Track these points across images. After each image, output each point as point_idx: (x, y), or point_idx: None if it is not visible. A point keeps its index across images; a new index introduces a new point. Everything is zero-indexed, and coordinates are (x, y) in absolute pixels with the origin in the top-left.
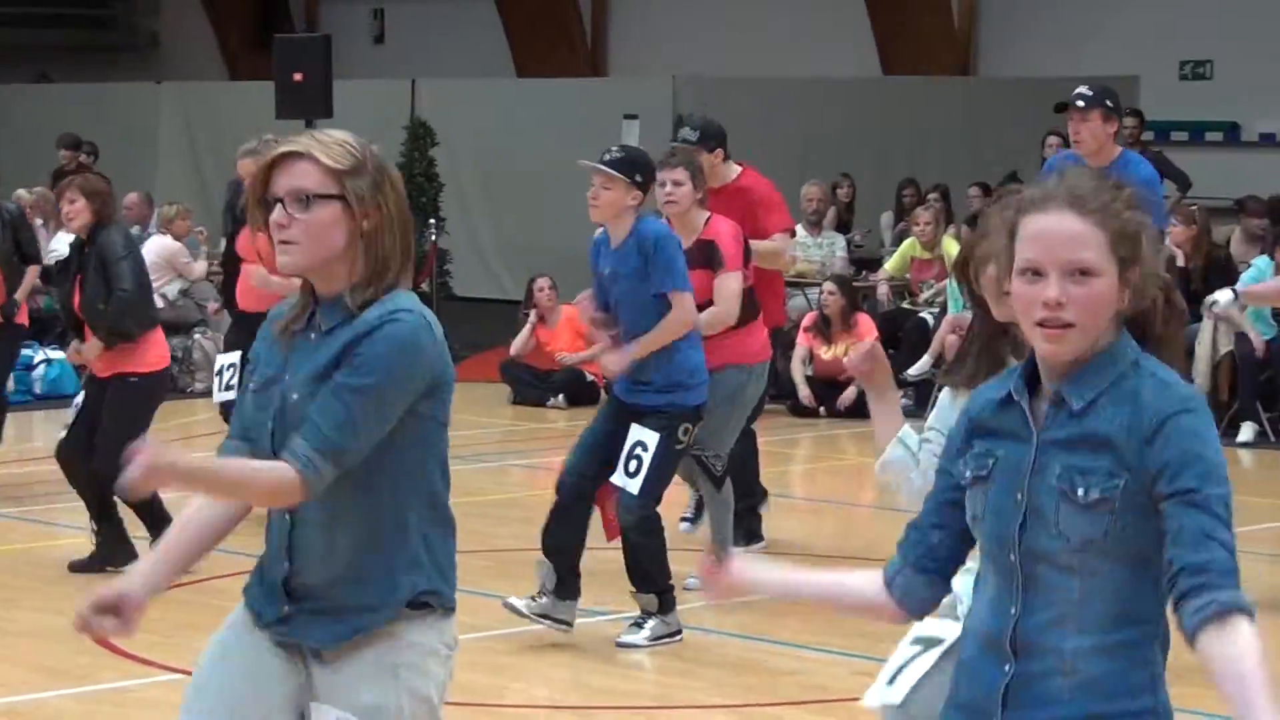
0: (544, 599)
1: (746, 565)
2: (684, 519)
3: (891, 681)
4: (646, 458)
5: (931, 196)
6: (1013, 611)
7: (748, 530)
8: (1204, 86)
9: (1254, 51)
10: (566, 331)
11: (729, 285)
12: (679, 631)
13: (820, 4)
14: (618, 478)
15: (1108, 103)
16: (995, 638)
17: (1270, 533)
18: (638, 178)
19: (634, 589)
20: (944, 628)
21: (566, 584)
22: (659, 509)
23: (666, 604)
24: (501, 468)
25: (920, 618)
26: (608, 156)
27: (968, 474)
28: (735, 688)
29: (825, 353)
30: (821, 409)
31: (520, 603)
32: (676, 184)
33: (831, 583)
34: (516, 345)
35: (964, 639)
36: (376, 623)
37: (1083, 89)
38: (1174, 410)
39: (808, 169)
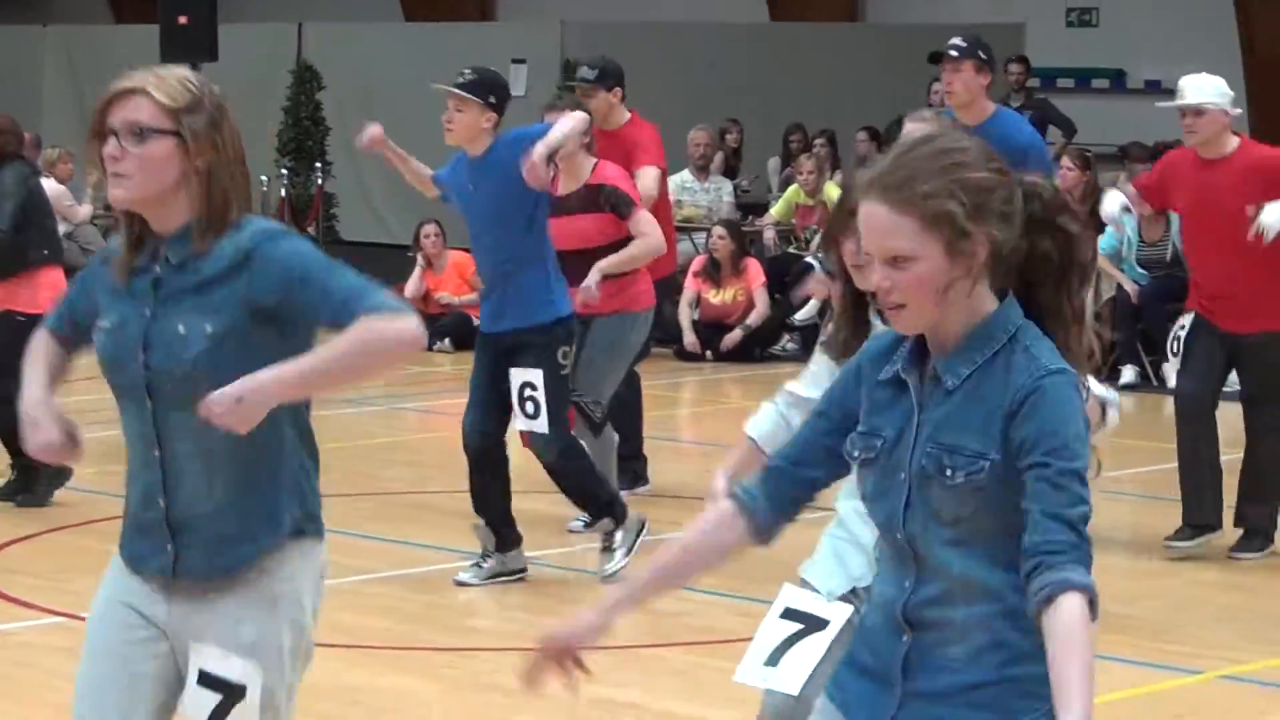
0: (489, 561)
1: (591, 613)
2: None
3: (774, 662)
4: (539, 395)
5: (818, 143)
6: (906, 585)
7: (633, 474)
8: (1090, 33)
9: None
10: (453, 276)
11: (646, 219)
12: (641, 531)
13: None
14: (521, 424)
15: (981, 54)
16: (891, 611)
17: (1148, 475)
18: (491, 99)
19: (588, 520)
20: (819, 605)
21: (504, 536)
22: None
23: (619, 514)
24: (388, 411)
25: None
26: (460, 79)
27: (856, 454)
28: (621, 629)
29: (713, 296)
30: (707, 353)
31: (468, 575)
32: None
33: (678, 561)
34: (409, 290)
35: (868, 606)
36: (261, 551)
37: (956, 40)
38: (1033, 385)
39: (695, 114)
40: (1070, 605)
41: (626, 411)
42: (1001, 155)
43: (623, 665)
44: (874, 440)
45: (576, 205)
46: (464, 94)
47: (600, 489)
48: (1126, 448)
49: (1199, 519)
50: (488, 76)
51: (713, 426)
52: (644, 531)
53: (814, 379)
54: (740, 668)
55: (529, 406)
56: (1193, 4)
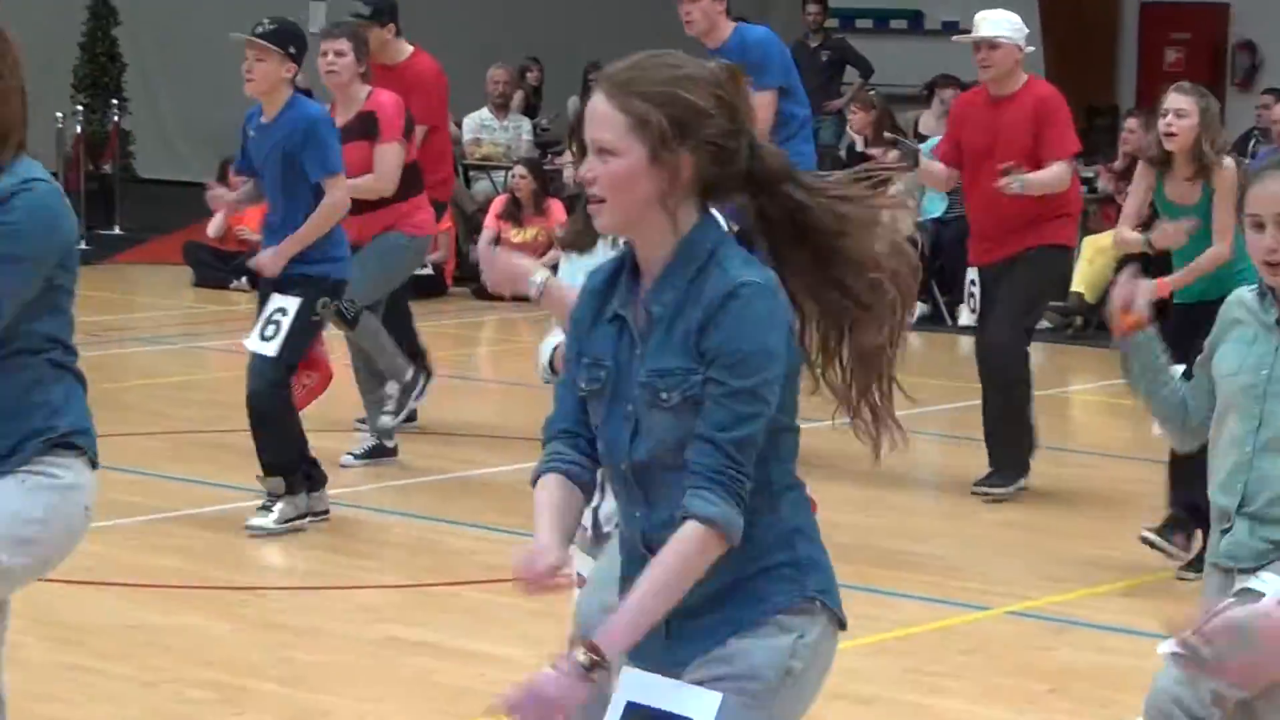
0: (281, 504)
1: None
2: (349, 454)
3: None
4: (285, 322)
5: None
6: (638, 515)
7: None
8: None
9: None
10: (255, 213)
11: (387, 156)
12: (308, 515)
13: None
14: (252, 343)
15: None
16: (632, 544)
17: (940, 414)
18: (291, 49)
19: (260, 472)
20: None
21: (312, 476)
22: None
23: (295, 485)
24: (184, 350)
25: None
26: (259, 29)
27: (583, 385)
28: (413, 568)
29: (515, 236)
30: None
31: (261, 521)
32: (339, 54)
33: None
34: (211, 229)
35: (620, 550)
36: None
37: None
38: (720, 300)
39: (496, 52)
40: (680, 535)
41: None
42: (739, 57)
43: (415, 604)
44: (598, 372)
45: (350, 134)
46: (264, 43)
47: (289, 454)
48: (926, 386)
49: (1008, 464)
50: (287, 26)
51: (511, 365)
52: (309, 520)
53: (568, 277)
54: None
55: (269, 329)
56: None
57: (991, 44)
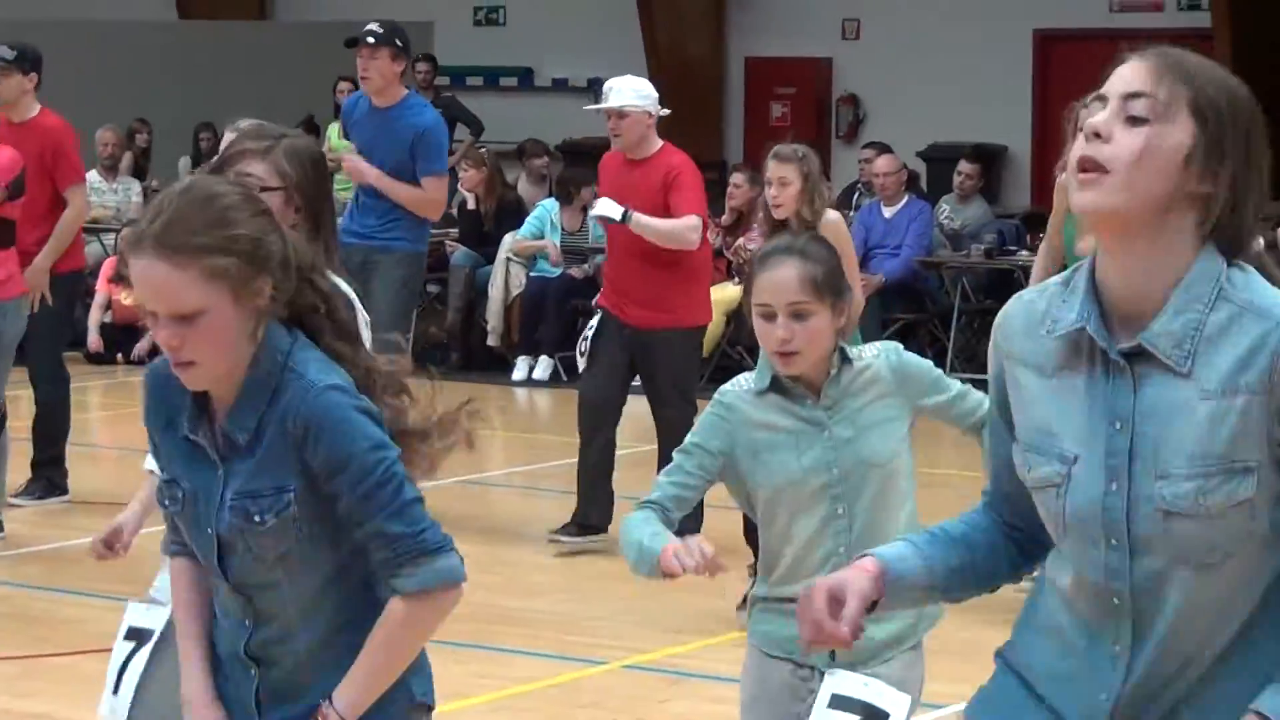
0: None
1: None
2: None
3: (116, 690)
4: None
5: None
6: (247, 625)
7: (48, 482)
8: (498, 32)
9: None
10: None
11: None
12: None
13: None
14: None
15: (397, 41)
16: (235, 648)
17: (558, 470)
18: None
19: None
20: (150, 615)
21: None
22: None
23: None
24: None
25: None
26: None
27: (166, 503)
28: (26, 638)
29: (125, 298)
30: (119, 355)
31: None
32: None
33: (204, 634)
34: None
35: (217, 633)
36: None
37: (373, 25)
38: (308, 408)
39: (108, 113)
40: (387, 612)
41: (49, 415)
42: (406, 135)
43: (29, 674)
44: (176, 490)
45: None
46: None
47: None
48: (543, 442)
49: (588, 519)
50: None
51: (124, 431)
52: None
53: None
54: (100, 705)
55: None
56: (598, 5)
57: (620, 113)
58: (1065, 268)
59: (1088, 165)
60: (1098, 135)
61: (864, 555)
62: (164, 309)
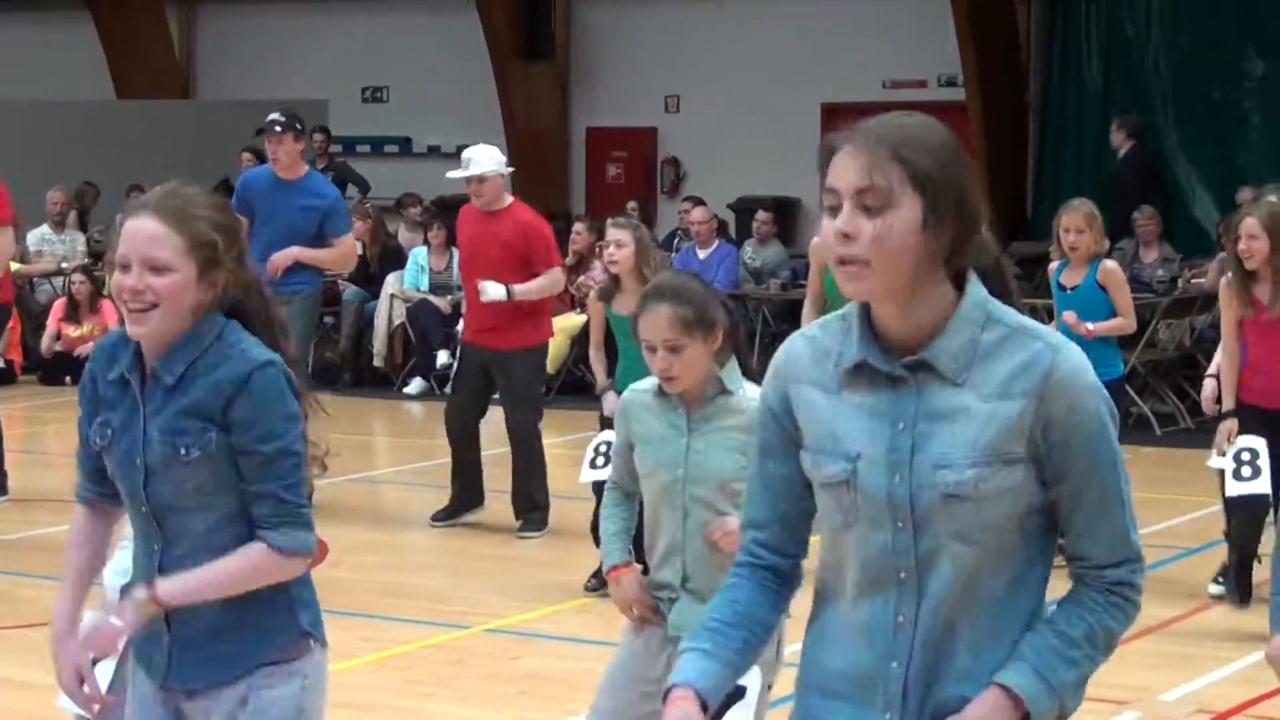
0: None
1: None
2: None
3: None
4: None
5: None
6: (156, 548)
7: None
8: (382, 108)
9: (421, 79)
10: None
11: None
12: None
13: (51, 28)
14: None
15: (297, 125)
16: (148, 574)
17: (438, 467)
18: None
19: None
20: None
21: None
22: None
23: None
24: None
25: None
26: None
27: (96, 441)
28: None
29: (74, 331)
30: (68, 378)
31: None
32: None
33: (82, 570)
34: None
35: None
36: None
37: (276, 115)
38: (242, 377)
39: (57, 177)
40: (249, 550)
41: None
42: (315, 205)
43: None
44: (105, 430)
45: None
46: None
47: None
48: (421, 445)
49: (462, 504)
50: None
51: (74, 440)
52: None
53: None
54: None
55: None
56: (464, 84)
57: (480, 179)
58: (826, 310)
59: (846, 260)
60: (847, 236)
61: (673, 686)
62: (141, 257)
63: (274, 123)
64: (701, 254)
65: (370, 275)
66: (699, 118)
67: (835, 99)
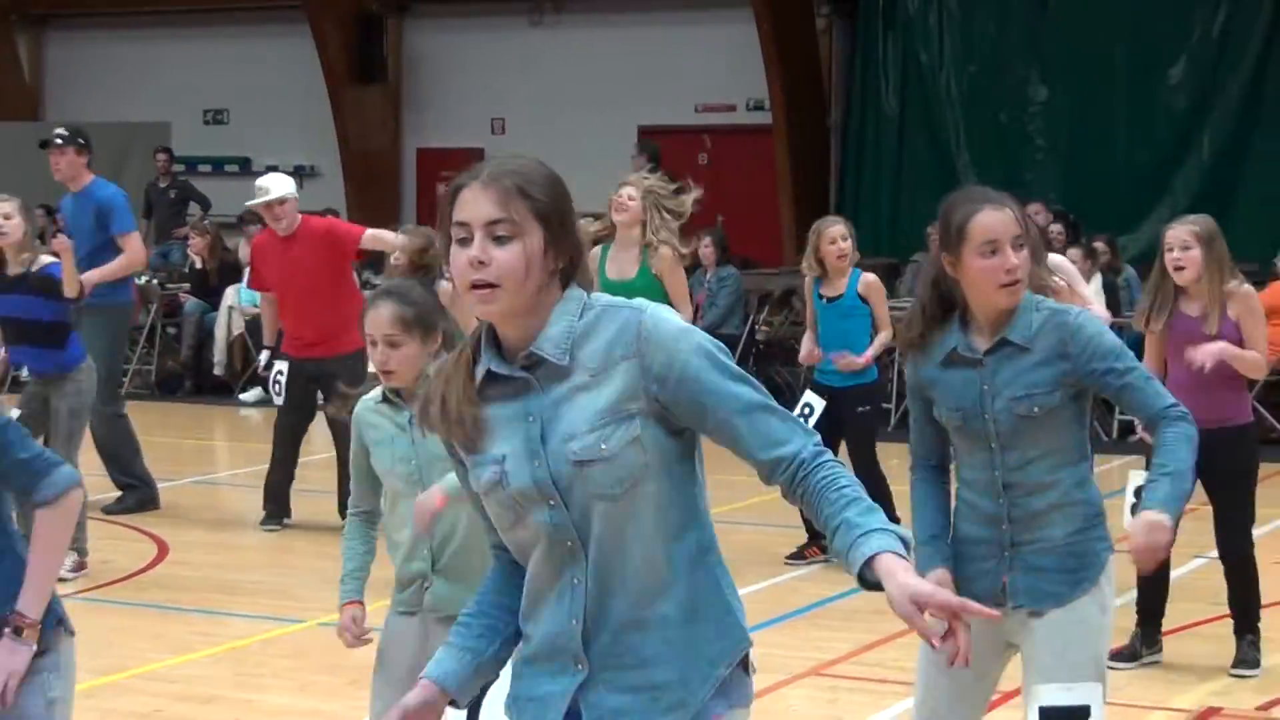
0: None
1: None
2: None
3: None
4: None
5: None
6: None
7: None
8: (223, 129)
9: (260, 102)
10: None
11: None
12: None
13: None
14: None
15: (80, 140)
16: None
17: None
18: None
19: None
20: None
21: None
22: None
23: None
24: None
25: None
26: None
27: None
28: None
29: None
30: None
31: None
32: None
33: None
34: None
35: None
36: None
37: (60, 130)
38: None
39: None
40: (36, 530)
41: None
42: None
43: None
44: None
45: None
46: None
47: None
48: (259, 450)
49: (284, 510)
50: None
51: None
52: None
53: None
54: None
55: None
56: (300, 107)
57: (281, 200)
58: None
59: (479, 285)
60: (481, 263)
61: (420, 679)
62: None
63: (58, 135)
64: None
65: (210, 288)
66: (523, 139)
67: (650, 121)
